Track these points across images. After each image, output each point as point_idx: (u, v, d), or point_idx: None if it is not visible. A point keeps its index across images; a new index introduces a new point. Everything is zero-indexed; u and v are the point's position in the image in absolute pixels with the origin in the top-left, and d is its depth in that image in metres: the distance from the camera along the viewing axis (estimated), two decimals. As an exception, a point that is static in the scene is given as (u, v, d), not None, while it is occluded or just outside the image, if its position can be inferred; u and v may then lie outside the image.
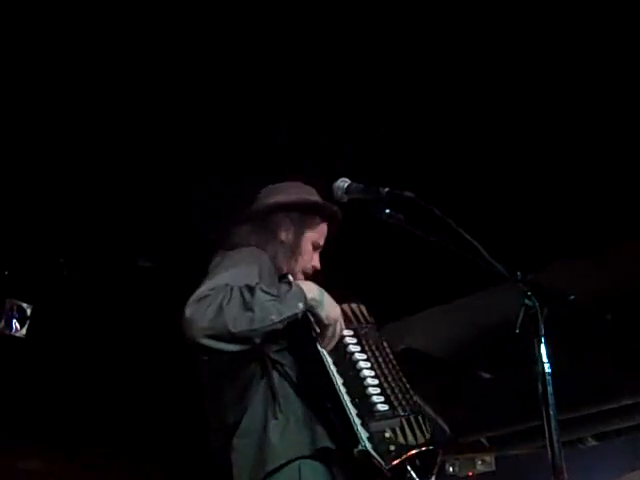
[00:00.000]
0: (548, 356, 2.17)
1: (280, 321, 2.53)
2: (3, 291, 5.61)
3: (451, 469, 7.01)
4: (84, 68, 4.12)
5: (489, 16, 3.78)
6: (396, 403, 2.65)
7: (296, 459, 2.53)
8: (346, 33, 3.90)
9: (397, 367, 2.78)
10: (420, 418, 2.67)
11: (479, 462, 6.91)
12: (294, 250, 2.96)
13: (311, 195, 3.08)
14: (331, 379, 2.60)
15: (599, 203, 4.71)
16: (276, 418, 2.60)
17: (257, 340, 2.52)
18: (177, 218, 5.20)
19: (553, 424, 2.08)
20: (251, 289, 2.53)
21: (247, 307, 2.49)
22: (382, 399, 2.65)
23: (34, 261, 5.54)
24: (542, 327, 2.17)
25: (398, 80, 4.16)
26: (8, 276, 5.58)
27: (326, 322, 2.64)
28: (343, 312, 2.77)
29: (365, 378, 2.68)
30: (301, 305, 2.59)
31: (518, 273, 2.28)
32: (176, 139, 4.61)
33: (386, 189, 2.70)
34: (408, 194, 2.64)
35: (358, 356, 2.74)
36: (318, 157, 4.47)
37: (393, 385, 2.70)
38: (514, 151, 4.50)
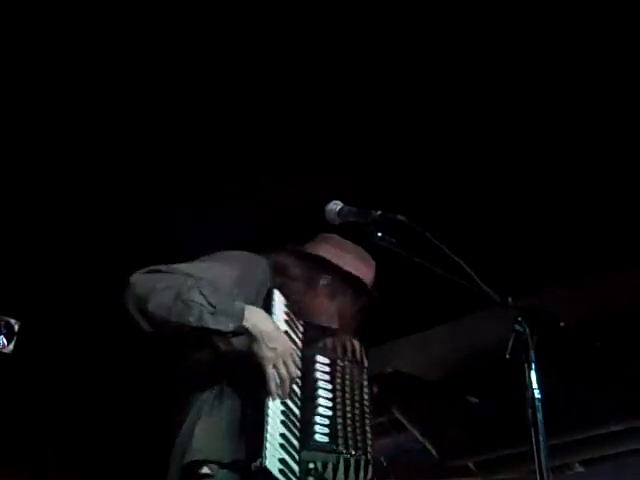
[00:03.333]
0: (538, 382, 2.17)
1: (197, 328, 2.50)
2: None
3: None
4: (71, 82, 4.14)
5: (484, 27, 3.80)
6: (341, 440, 2.58)
7: (215, 462, 2.51)
8: (345, 40, 3.91)
9: (366, 409, 2.74)
10: (362, 462, 2.58)
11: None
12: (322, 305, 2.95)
13: (365, 274, 3.02)
14: (267, 399, 2.51)
15: (586, 229, 4.73)
16: (208, 416, 2.60)
17: (171, 333, 2.58)
18: (166, 233, 5.19)
19: (543, 450, 2.07)
20: (193, 285, 2.54)
21: (175, 297, 2.51)
22: (326, 431, 2.59)
23: (21, 276, 5.52)
24: (532, 353, 2.17)
25: (394, 95, 4.18)
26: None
27: (264, 361, 2.53)
28: (333, 343, 2.79)
29: (318, 407, 2.64)
30: (231, 326, 2.52)
31: (509, 299, 2.28)
32: (166, 154, 4.64)
33: (378, 212, 2.71)
34: (400, 217, 2.65)
35: (322, 384, 2.72)
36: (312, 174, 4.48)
37: (349, 423, 2.64)
38: (505, 176, 4.52)
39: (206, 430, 2.57)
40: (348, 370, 2.79)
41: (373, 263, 3.07)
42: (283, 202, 4.63)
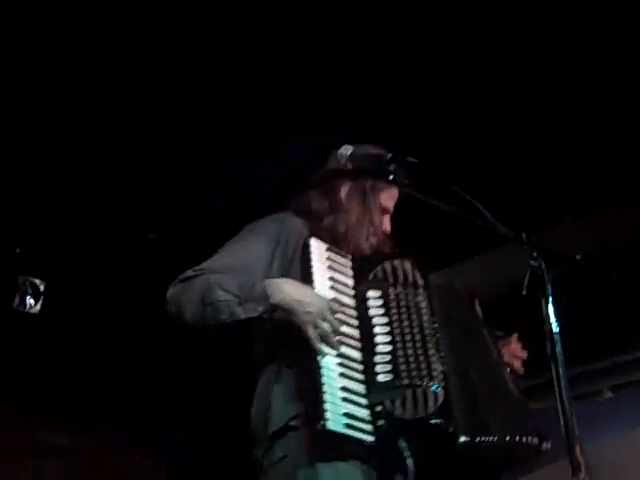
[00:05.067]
0: (556, 315, 2.17)
1: (232, 322, 2.58)
2: (16, 269, 5.64)
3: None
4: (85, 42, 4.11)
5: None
6: (404, 374, 2.52)
7: (293, 418, 2.55)
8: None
9: (427, 332, 2.64)
10: (429, 390, 2.50)
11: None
12: (358, 217, 2.91)
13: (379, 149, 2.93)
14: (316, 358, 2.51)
15: (606, 158, 4.69)
16: (278, 384, 2.64)
17: (214, 330, 2.67)
18: (186, 191, 5.20)
19: (563, 383, 2.08)
20: (211, 287, 2.60)
21: (203, 303, 2.59)
22: (388, 368, 2.55)
23: (44, 237, 5.55)
24: (549, 287, 2.18)
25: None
26: (20, 253, 5.60)
27: (298, 325, 2.55)
28: (383, 271, 2.73)
29: (376, 345, 2.60)
30: (260, 309, 2.57)
31: (523, 234, 2.28)
32: (186, 111, 4.59)
33: (389, 154, 2.71)
34: (411, 159, 2.65)
35: (377, 320, 2.66)
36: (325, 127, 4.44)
37: (410, 353, 2.57)
38: (516, 106, 4.47)
39: (279, 397, 2.62)
40: (402, 296, 2.70)
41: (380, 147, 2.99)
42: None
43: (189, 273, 2.69)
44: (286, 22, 4.02)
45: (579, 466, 1.99)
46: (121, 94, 4.46)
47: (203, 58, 4.25)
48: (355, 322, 2.65)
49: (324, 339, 2.53)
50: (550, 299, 2.17)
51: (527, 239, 2.26)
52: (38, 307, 5.61)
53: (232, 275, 2.64)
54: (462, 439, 2.46)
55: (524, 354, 2.95)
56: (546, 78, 4.31)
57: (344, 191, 2.94)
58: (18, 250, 5.60)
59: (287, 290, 2.59)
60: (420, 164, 2.60)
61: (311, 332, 2.52)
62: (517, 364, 2.95)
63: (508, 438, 2.53)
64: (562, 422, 2.06)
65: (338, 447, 2.43)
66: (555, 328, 2.13)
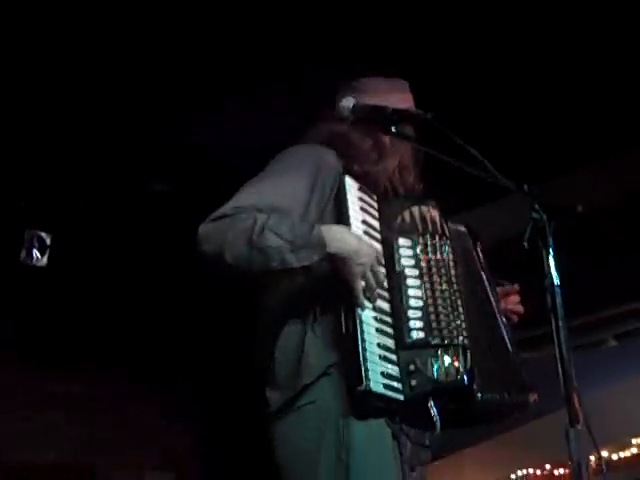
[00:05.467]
0: (556, 268, 2.17)
1: (282, 270, 2.41)
2: (22, 222, 5.66)
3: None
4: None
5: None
6: (436, 332, 2.45)
7: (329, 367, 2.46)
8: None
9: (456, 287, 2.57)
10: (461, 348, 2.45)
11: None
12: (402, 160, 2.80)
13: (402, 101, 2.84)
14: (356, 315, 2.41)
15: (604, 111, 4.66)
16: (312, 332, 2.53)
17: (254, 277, 2.51)
18: (190, 140, 5.18)
19: (563, 336, 2.10)
20: (261, 229, 2.39)
21: (250, 246, 2.39)
22: (421, 325, 2.46)
23: (49, 190, 5.56)
24: (550, 240, 2.17)
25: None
26: (25, 207, 5.61)
27: (348, 276, 2.42)
28: (411, 216, 2.61)
29: (408, 299, 2.50)
30: (316, 257, 2.40)
31: (525, 186, 2.27)
32: (192, 60, 4.54)
33: (391, 107, 2.70)
34: (413, 111, 2.64)
35: (408, 272, 2.54)
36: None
37: (441, 310, 2.50)
38: (514, 60, 4.45)
39: (314, 348, 2.50)
40: (431, 248, 2.59)
41: (406, 84, 2.93)
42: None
43: (226, 211, 2.46)
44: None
45: (577, 417, 2.00)
46: (124, 43, 4.42)
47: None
48: (384, 270, 2.53)
49: (368, 292, 2.43)
50: (551, 251, 2.16)
51: (529, 191, 2.25)
52: (45, 260, 5.63)
53: (279, 216, 2.45)
54: (478, 396, 2.45)
55: (521, 309, 2.92)
56: (554, 26, 4.28)
57: (385, 136, 2.79)
58: (24, 204, 5.61)
59: (344, 238, 2.45)
60: (419, 114, 2.58)
61: (358, 285, 2.40)
62: (514, 316, 2.91)
63: (507, 397, 2.55)
64: (560, 375, 2.07)
65: (372, 405, 2.36)
66: (555, 280, 2.13)
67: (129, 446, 6.55)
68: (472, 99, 4.55)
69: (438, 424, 2.39)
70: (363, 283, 2.41)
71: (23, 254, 5.55)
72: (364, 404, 2.37)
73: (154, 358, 6.51)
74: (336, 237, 2.43)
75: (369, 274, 2.42)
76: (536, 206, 2.20)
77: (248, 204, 2.48)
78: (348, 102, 2.79)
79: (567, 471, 7.21)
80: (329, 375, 2.46)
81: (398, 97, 2.85)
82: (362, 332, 2.37)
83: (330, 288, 2.46)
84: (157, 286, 6.08)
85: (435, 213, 2.67)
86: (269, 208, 2.46)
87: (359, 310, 2.40)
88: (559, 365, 2.09)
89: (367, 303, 2.43)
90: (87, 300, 6.07)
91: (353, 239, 2.45)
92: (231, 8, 4.18)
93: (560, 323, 2.10)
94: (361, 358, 2.32)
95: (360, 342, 2.35)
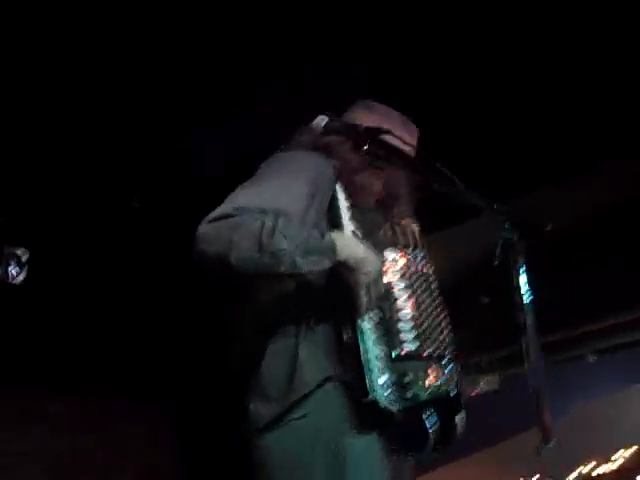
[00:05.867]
0: (530, 284, 2.17)
1: (292, 275, 2.37)
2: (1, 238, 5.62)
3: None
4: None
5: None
6: (428, 342, 2.51)
7: (325, 380, 2.44)
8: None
9: (439, 300, 2.64)
10: (452, 358, 2.55)
11: (482, 382, 6.95)
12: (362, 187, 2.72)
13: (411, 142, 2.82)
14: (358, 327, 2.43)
15: (578, 126, 4.69)
16: (305, 344, 2.50)
17: (256, 279, 2.47)
18: (170, 156, 5.16)
19: (534, 353, 2.09)
20: (272, 230, 2.31)
21: (258, 248, 2.30)
22: (412, 335, 2.49)
23: (28, 205, 5.52)
24: (521, 257, 2.17)
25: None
26: (4, 222, 5.57)
27: (354, 284, 2.41)
28: (393, 229, 2.63)
29: (399, 310, 2.51)
30: (326, 263, 2.37)
31: (495, 204, 2.27)
32: (171, 75, 4.53)
33: (363, 125, 2.68)
34: (383, 128, 2.63)
35: (396, 283, 2.56)
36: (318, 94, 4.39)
37: (431, 321, 2.56)
38: (493, 75, 4.46)
39: (309, 360, 2.47)
40: (415, 260, 2.63)
41: (416, 130, 2.91)
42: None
43: (228, 210, 2.38)
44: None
45: (548, 433, 2.00)
46: (108, 60, 4.39)
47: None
48: (385, 282, 2.53)
49: (370, 303, 2.42)
50: (522, 269, 2.16)
51: (499, 209, 2.25)
52: (22, 277, 5.58)
53: (286, 220, 2.37)
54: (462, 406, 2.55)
55: None
56: (516, 52, 4.31)
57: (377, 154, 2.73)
58: (2, 219, 5.57)
59: (352, 247, 2.43)
60: (391, 133, 2.57)
61: (363, 294, 2.39)
62: None
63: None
64: (532, 391, 2.07)
65: (374, 416, 2.38)
66: (526, 299, 2.13)
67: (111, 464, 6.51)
68: (443, 116, 4.55)
69: (432, 436, 2.43)
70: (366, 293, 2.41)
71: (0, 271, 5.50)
72: (366, 415, 2.38)
73: (137, 374, 6.46)
74: (346, 244, 2.42)
75: (373, 284, 2.42)
76: (506, 225, 2.20)
77: (251, 205, 2.40)
78: (321, 120, 2.76)
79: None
80: (323, 388, 2.44)
81: (402, 130, 2.79)
82: (364, 343, 2.39)
83: (328, 296, 2.46)
84: (139, 300, 6.04)
85: (415, 228, 2.71)
86: (273, 210, 2.38)
87: (359, 320, 2.41)
88: (531, 386, 2.08)
89: (368, 314, 2.43)
90: (69, 317, 6.02)
91: (360, 248, 2.44)
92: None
93: (532, 341, 2.09)
94: (365, 369, 2.35)
95: (363, 353, 2.37)
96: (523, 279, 2.14)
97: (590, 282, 5.42)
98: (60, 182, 5.34)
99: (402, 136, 2.71)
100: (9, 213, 5.50)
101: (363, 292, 2.40)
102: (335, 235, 2.44)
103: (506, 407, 2.63)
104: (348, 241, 2.46)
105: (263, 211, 2.37)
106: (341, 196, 2.59)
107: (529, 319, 2.11)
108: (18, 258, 5.57)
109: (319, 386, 2.44)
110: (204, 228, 2.37)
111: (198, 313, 6.21)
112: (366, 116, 2.84)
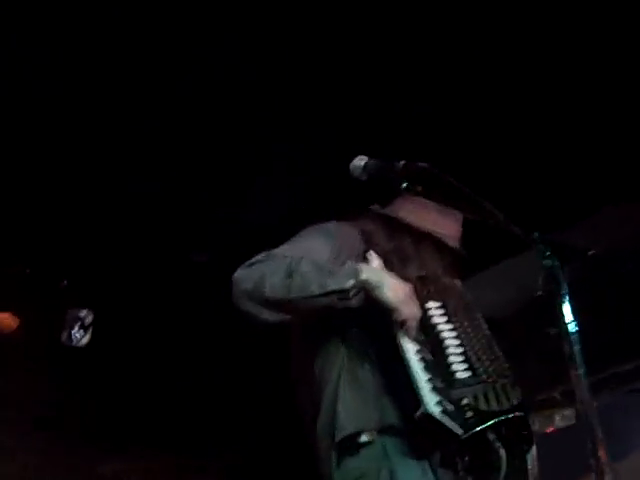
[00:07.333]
0: (575, 314, 2.11)
1: (322, 294, 2.50)
2: (64, 301, 5.69)
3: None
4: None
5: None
6: (481, 370, 2.60)
7: (363, 432, 2.52)
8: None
9: (487, 334, 2.77)
10: (508, 384, 2.61)
11: (558, 417, 6.80)
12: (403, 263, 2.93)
13: (449, 230, 3.03)
14: (401, 349, 2.56)
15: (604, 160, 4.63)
16: (346, 390, 2.60)
17: (296, 310, 2.56)
18: (230, 209, 5.19)
19: (584, 383, 2.02)
20: (299, 260, 2.55)
21: (288, 275, 2.51)
22: (465, 367, 2.60)
23: (89, 267, 5.59)
24: (564, 285, 2.11)
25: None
26: (68, 285, 5.65)
27: (390, 303, 2.56)
28: (435, 286, 2.82)
29: (448, 347, 2.65)
30: (351, 282, 2.52)
31: (535, 234, 2.22)
32: (225, 130, 4.59)
33: (402, 162, 2.67)
34: (422, 164, 2.61)
35: (442, 327, 2.72)
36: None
37: (480, 352, 2.66)
38: (532, 104, 4.42)
39: (351, 400, 2.59)
40: (459, 305, 2.83)
41: (460, 217, 3.04)
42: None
43: (258, 257, 2.64)
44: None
45: (603, 472, 1.91)
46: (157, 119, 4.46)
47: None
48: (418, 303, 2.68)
49: (408, 325, 2.56)
50: (566, 298, 2.10)
51: (539, 237, 2.19)
52: (86, 340, 5.64)
53: (307, 259, 2.60)
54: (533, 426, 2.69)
55: None
56: (559, 71, 4.26)
57: (408, 246, 2.96)
58: (65, 282, 5.65)
59: (377, 270, 2.64)
60: (431, 168, 2.55)
61: (397, 313, 2.55)
62: None
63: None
64: (587, 428, 1.99)
65: (431, 433, 2.43)
66: (572, 328, 2.07)
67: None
68: (484, 154, 4.55)
69: (503, 453, 2.47)
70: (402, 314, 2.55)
71: (64, 335, 5.56)
72: (422, 432, 2.43)
73: (196, 433, 6.46)
74: (370, 268, 2.63)
75: (404, 304, 2.57)
76: (547, 252, 2.14)
77: (279, 252, 2.66)
78: (360, 160, 2.77)
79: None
80: (369, 443, 2.52)
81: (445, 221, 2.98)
82: (410, 366, 2.50)
83: (372, 328, 2.61)
84: (197, 359, 6.05)
85: (457, 282, 2.99)
86: (298, 256, 2.61)
87: (402, 341, 2.54)
88: (583, 416, 2.01)
89: (409, 339, 2.57)
90: (131, 376, 6.05)
91: (386, 273, 2.64)
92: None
93: (580, 372, 2.02)
94: (416, 385, 2.45)
95: (411, 372, 2.48)
96: (567, 307, 2.07)
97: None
98: (119, 242, 5.39)
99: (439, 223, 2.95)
100: (72, 275, 5.58)
101: (396, 311, 2.55)
102: (359, 264, 2.63)
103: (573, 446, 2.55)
104: (373, 267, 2.66)
105: (289, 256, 2.62)
106: (375, 261, 2.75)
107: (575, 350, 2.04)
108: (82, 321, 5.64)
109: (363, 442, 2.52)
110: (238, 273, 2.62)
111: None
112: (404, 208, 3.01)
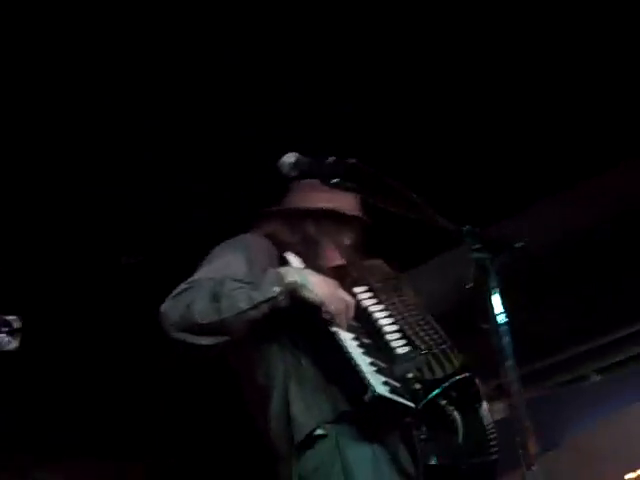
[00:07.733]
0: (505, 307, 2.13)
1: (251, 307, 2.54)
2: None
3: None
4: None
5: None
6: (418, 342, 2.64)
7: (319, 426, 2.56)
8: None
9: (418, 304, 2.83)
10: (447, 349, 2.68)
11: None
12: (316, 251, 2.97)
13: (343, 203, 3.03)
14: (337, 339, 2.59)
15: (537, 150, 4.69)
16: (294, 392, 2.63)
17: (234, 330, 2.57)
18: (160, 214, 5.14)
19: (514, 375, 2.04)
20: (222, 281, 2.58)
21: (215, 298, 2.53)
22: (403, 342, 2.65)
23: (15, 270, 5.49)
24: (493, 279, 2.14)
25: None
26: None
27: (317, 300, 2.61)
28: (357, 271, 2.86)
29: (382, 327, 2.70)
30: (277, 289, 2.57)
31: (464, 227, 2.23)
32: (161, 134, 4.56)
33: (332, 158, 2.67)
34: (351, 160, 2.61)
35: (373, 308, 2.76)
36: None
37: (414, 325, 2.71)
38: (462, 99, 4.47)
39: (301, 401, 2.62)
40: (385, 284, 2.87)
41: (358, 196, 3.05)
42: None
43: (181, 286, 2.64)
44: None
45: (531, 460, 1.94)
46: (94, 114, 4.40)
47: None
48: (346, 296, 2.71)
49: (339, 317, 2.61)
50: (496, 290, 2.12)
51: (468, 231, 2.21)
52: (16, 344, 5.52)
53: (229, 279, 2.63)
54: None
55: None
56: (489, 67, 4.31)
57: (312, 230, 3.00)
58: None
59: (298, 271, 2.68)
60: (359, 164, 2.56)
61: (329, 307, 2.59)
62: None
63: None
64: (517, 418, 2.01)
65: (386, 413, 2.48)
66: (502, 319, 2.09)
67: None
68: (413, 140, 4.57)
69: (457, 415, 2.52)
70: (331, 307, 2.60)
71: (-7, 339, 5.44)
72: (376, 414, 2.48)
73: (131, 438, 6.39)
74: (288, 270, 2.68)
75: (333, 297, 2.63)
76: (476, 245, 2.16)
77: (201, 277, 2.68)
78: (289, 157, 2.77)
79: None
80: (323, 437, 2.55)
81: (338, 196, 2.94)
82: (350, 352, 2.54)
83: (297, 325, 2.65)
84: (130, 363, 5.99)
85: (380, 262, 3.03)
86: (221, 276, 2.65)
87: (338, 332, 2.58)
88: (514, 407, 2.03)
89: (343, 329, 2.61)
90: (62, 384, 5.97)
91: (309, 272, 2.69)
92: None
93: (510, 364, 2.04)
94: (360, 370, 2.48)
95: (352, 360, 2.51)
96: (496, 301, 2.09)
97: (589, 297, 5.37)
98: (47, 246, 5.31)
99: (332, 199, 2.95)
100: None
101: (327, 305, 2.60)
102: (279, 269, 2.67)
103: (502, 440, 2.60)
104: (294, 269, 2.71)
105: (211, 278, 2.64)
106: (293, 260, 2.81)
107: (504, 342, 2.06)
108: (10, 325, 5.52)
109: (318, 436, 2.55)
110: (165, 306, 2.61)
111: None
112: (296, 197, 3.05)
